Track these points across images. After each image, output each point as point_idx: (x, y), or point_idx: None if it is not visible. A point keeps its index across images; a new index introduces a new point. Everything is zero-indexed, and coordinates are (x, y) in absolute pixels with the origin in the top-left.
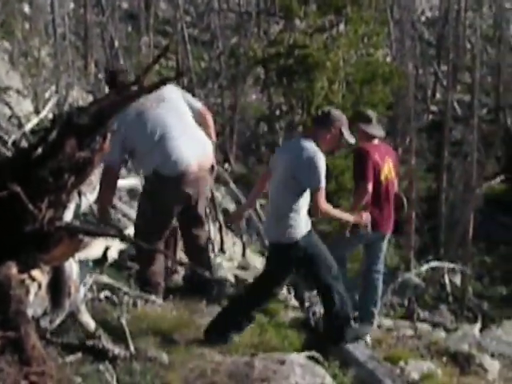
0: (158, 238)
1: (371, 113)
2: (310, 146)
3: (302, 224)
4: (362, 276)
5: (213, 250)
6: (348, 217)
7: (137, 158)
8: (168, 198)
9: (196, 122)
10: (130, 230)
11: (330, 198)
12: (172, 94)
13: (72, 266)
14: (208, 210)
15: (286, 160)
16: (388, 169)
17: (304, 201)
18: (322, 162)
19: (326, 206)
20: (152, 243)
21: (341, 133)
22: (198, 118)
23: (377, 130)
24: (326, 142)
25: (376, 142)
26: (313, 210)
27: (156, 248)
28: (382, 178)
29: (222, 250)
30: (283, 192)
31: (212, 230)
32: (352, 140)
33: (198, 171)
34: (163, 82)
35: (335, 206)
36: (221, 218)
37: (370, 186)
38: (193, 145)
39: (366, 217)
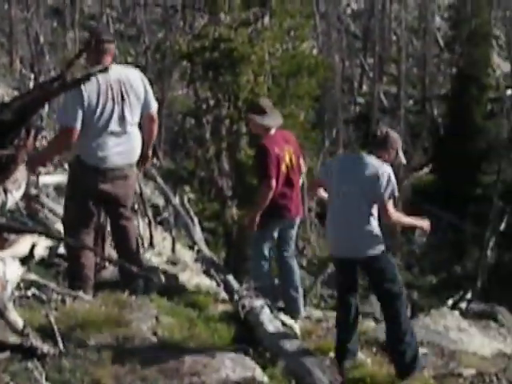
0: (84, 231)
1: (265, 102)
2: (380, 162)
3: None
4: (278, 266)
5: (142, 245)
6: (415, 222)
7: None
8: (85, 188)
9: (143, 119)
10: (58, 226)
11: (257, 191)
12: (137, 87)
13: None
14: (136, 206)
15: (364, 175)
16: (289, 157)
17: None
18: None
19: (397, 213)
20: (78, 237)
21: (396, 153)
22: (145, 118)
23: (272, 119)
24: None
25: (273, 131)
26: (384, 218)
27: (83, 244)
28: (283, 168)
29: (151, 244)
30: (362, 205)
31: (141, 225)
32: (404, 161)
33: (120, 171)
34: (87, 76)
35: None
36: (149, 213)
37: (273, 183)
38: (124, 146)
39: (427, 223)
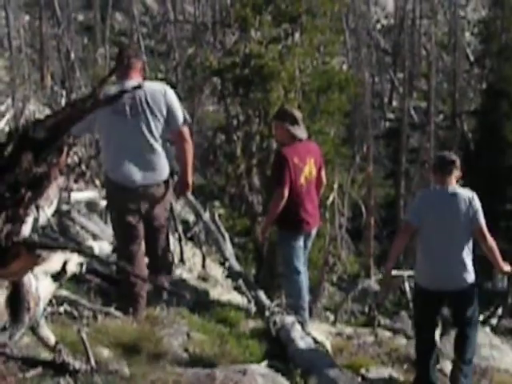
0: (130, 244)
1: (298, 113)
2: (466, 189)
3: None
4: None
5: (172, 261)
6: (499, 259)
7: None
8: (117, 203)
9: (173, 137)
10: (89, 243)
11: None
12: (158, 97)
13: (31, 281)
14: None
15: (461, 207)
16: (309, 169)
17: None
18: None
19: (491, 240)
20: (128, 250)
21: None
22: (174, 136)
23: (301, 131)
24: None
25: (297, 142)
26: (484, 242)
27: (117, 261)
28: (302, 180)
29: (181, 260)
30: (463, 238)
31: (171, 241)
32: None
33: (145, 189)
34: (120, 94)
35: None
36: (180, 228)
37: (286, 192)
38: (146, 164)
39: (509, 267)
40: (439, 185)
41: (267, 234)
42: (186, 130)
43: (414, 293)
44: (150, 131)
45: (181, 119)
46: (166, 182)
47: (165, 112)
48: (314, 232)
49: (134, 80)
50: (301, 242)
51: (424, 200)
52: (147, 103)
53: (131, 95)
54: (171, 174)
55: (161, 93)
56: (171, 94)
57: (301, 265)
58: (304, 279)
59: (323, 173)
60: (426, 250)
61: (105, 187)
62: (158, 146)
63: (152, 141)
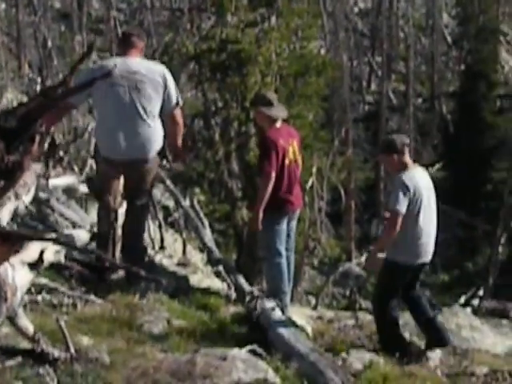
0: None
1: (271, 95)
2: None
3: None
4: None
5: (153, 247)
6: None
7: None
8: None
9: (165, 116)
10: (66, 231)
11: None
12: (155, 83)
13: (7, 270)
14: None
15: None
16: (292, 151)
17: None
18: None
19: None
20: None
21: None
22: (166, 115)
23: (279, 111)
24: None
25: (278, 124)
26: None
27: (97, 252)
28: (287, 161)
29: (162, 247)
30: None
31: (152, 227)
32: None
33: (133, 165)
34: (92, 81)
35: None
36: (160, 215)
37: (273, 175)
38: (138, 138)
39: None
40: (411, 165)
41: (260, 220)
42: (178, 113)
43: (388, 269)
44: (144, 107)
45: (174, 102)
46: (154, 161)
47: (161, 92)
48: (297, 213)
49: (134, 58)
50: (284, 225)
51: (413, 180)
52: (146, 82)
53: (131, 71)
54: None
55: (159, 74)
56: (169, 77)
57: (283, 248)
58: (285, 262)
59: (300, 157)
60: (414, 229)
61: (95, 158)
62: (150, 123)
63: (145, 117)
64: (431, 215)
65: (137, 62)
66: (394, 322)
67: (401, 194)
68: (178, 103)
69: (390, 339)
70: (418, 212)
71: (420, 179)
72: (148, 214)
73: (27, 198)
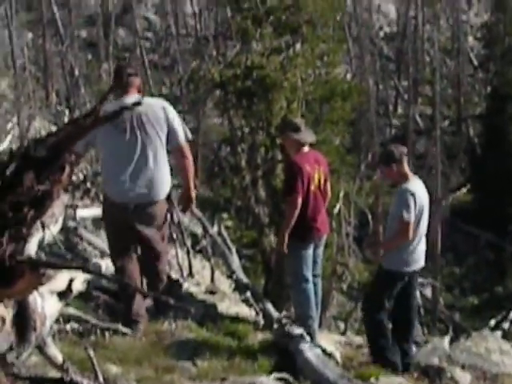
0: (126, 259)
1: (299, 120)
2: None
3: None
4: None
5: (181, 274)
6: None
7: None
8: (112, 218)
9: (172, 153)
10: (95, 260)
11: None
12: (159, 119)
13: (36, 299)
14: (175, 235)
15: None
16: (318, 177)
17: None
18: None
19: None
20: (122, 267)
21: None
22: (174, 152)
23: (306, 136)
24: None
25: (306, 149)
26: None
27: (120, 279)
28: (313, 187)
29: (190, 274)
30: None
31: (180, 254)
32: None
33: (142, 209)
34: (120, 110)
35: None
36: (188, 242)
37: (299, 200)
38: (144, 180)
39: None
40: (411, 175)
41: (286, 245)
42: (185, 146)
43: (385, 278)
44: (150, 147)
45: (181, 135)
46: (165, 201)
47: (165, 128)
48: (323, 239)
49: (133, 96)
50: (310, 251)
51: (414, 196)
52: (147, 119)
53: (131, 111)
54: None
55: (161, 109)
56: (171, 110)
57: (310, 274)
58: (313, 289)
59: (328, 184)
60: (414, 238)
61: (102, 202)
62: (157, 163)
63: (151, 157)
64: (425, 224)
65: (145, 103)
66: (385, 333)
67: (411, 204)
68: (185, 137)
69: (379, 349)
70: (419, 222)
71: (420, 190)
72: (166, 258)
73: (55, 229)
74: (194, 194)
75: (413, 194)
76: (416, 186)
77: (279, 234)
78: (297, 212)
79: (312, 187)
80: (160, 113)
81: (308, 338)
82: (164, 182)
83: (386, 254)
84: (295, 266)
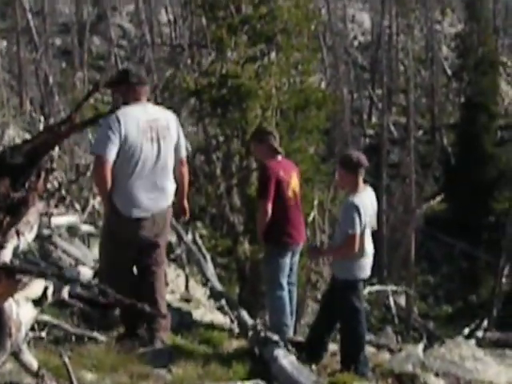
0: (126, 277)
1: (271, 128)
2: None
3: None
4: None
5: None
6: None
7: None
8: (126, 238)
9: (175, 165)
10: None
11: None
12: (173, 130)
13: (12, 306)
14: None
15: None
16: (294, 183)
17: None
18: None
19: None
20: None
21: None
22: (177, 164)
23: (278, 145)
24: None
25: (279, 157)
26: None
27: (102, 287)
28: (290, 193)
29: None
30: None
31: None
32: None
33: (155, 217)
34: (96, 118)
35: None
36: None
37: (269, 205)
38: (159, 191)
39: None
40: (362, 186)
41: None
42: (185, 162)
43: (341, 288)
44: (169, 158)
45: (184, 147)
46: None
47: (175, 139)
48: (300, 247)
49: (149, 104)
50: (287, 259)
51: (359, 210)
52: (168, 129)
53: (154, 119)
54: None
55: (174, 120)
56: (178, 123)
57: (285, 281)
58: (288, 296)
59: (300, 191)
60: (362, 247)
61: (109, 217)
62: (171, 172)
63: (168, 166)
64: (370, 233)
65: (154, 111)
66: (363, 343)
67: (355, 219)
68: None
69: (354, 355)
70: (363, 233)
71: (367, 200)
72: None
73: (30, 236)
74: (186, 203)
75: (357, 209)
76: (363, 198)
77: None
78: (267, 218)
79: (289, 193)
80: (174, 124)
81: (282, 345)
82: (173, 192)
83: (337, 265)
84: (272, 273)
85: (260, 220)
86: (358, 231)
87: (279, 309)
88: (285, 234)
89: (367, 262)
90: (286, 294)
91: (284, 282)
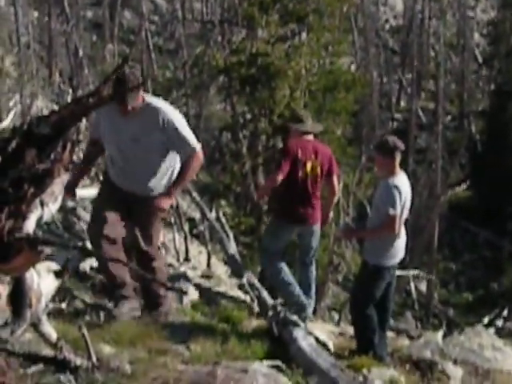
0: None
1: (304, 112)
2: None
3: None
4: (299, 268)
5: (178, 258)
6: None
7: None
8: (108, 191)
9: (181, 159)
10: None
11: None
12: (163, 123)
13: (33, 277)
14: (173, 219)
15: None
16: (312, 165)
17: None
18: None
19: None
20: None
21: None
22: (183, 158)
23: (309, 127)
24: None
25: (309, 137)
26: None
27: (110, 256)
28: (301, 173)
29: (187, 258)
30: None
31: (177, 238)
32: None
33: (134, 196)
34: (126, 91)
35: None
36: (186, 227)
37: (279, 178)
38: (131, 176)
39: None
40: (399, 170)
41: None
42: (200, 154)
43: (372, 273)
44: (147, 150)
45: (190, 145)
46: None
47: (170, 133)
48: (312, 229)
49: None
50: (287, 235)
51: (400, 190)
52: (154, 125)
53: (146, 108)
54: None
55: (164, 117)
56: (177, 119)
57: (278, 254)
58: (308, 276)
59: (335, 181)
60: (399, 230)
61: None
62: (152, 166)
63: (147, 160)
64: (404, 218)
65: (145, 105)
66: (373, 327)
67: (396, 199)
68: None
69: (367, 343)
70: (401, 216)
71: (405, 185)
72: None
73: (54, 207)
74: (175, 191)
75: (398, 189)
76: (401, 180)
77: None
78: (272, 185)
79: (300, 173)
80: (167, 119)
81: (302, 325)
82: (157, 184)
83: (370, 250)
84: (267, 242)
85: (264, 185)
86: (399, 212)
87: (281, 282)
88: (289, 210)
89: (400, 247)
90: (282, 266)
91: (276, 252)
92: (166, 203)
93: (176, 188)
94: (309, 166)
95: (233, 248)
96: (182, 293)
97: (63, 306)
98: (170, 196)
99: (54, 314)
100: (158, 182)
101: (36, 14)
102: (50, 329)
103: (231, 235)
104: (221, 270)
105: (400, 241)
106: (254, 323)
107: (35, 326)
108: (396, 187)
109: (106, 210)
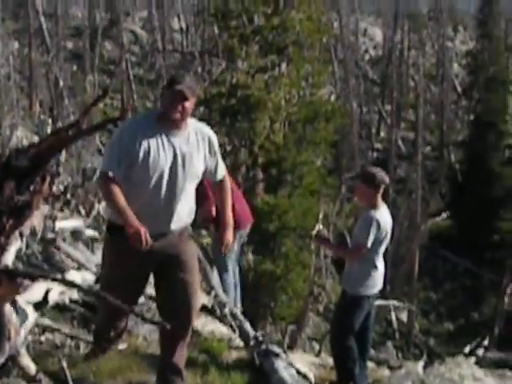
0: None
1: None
2: None
3: None
4: None
5: None
6: None
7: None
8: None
9: (213, 186)
10: (73, 272)
11: (273, 237)
12: (204, 148)
13: (12, 309)
14: None
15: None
16: None
17: None
18: None
19: None
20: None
21: None
22: (215, 186)
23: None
24: None
25: None
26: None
27: (102, 293)
28: None
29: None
30: None
31: None
32: None
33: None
34: (106, 123)
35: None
36: None
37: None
38: (165, 215)
39: None
40: (381, 202)
41: None
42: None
43: (349, 303)
44: (189, 182)
45: (223, 170)
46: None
47: (207, 162)
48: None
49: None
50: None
51: (380, 224)
52: (198, 151)
53: (185, 139)
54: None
55: (210, 138)
56: (216, 141)
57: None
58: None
59: None
60: (376, 263)
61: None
62: (187, 196)
63: (186, 191)
64: (383, 249)
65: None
66: (354, 357)
67: (371, 232)
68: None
69: (348, 374)
70: (380, 247)
71: (387, 218)
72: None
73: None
74: (229, 220)
75: (378, 223)
76: (383, 214)
77: None
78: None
79: None
80: (206, 145)
81: (283, 356)
82: (188, 214)
83: (348, 280)
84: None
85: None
86: (369, 245)
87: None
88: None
89: (379, 277)
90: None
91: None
92: (230, 235)
93: (229, 215)
94: None
95: (215, 278)
96: (162, 326)
97: (42, 338)
98: (230, 226)
99: (33, 347)
100: (190, 217)
101: (16, 44)
102: (28, 361)
103: (214, 266)
104: (203, 300)
105: (378, 271)
106: (234, 354)
107: (14, 358)
108: (376, 221)
109: (121, 294)
